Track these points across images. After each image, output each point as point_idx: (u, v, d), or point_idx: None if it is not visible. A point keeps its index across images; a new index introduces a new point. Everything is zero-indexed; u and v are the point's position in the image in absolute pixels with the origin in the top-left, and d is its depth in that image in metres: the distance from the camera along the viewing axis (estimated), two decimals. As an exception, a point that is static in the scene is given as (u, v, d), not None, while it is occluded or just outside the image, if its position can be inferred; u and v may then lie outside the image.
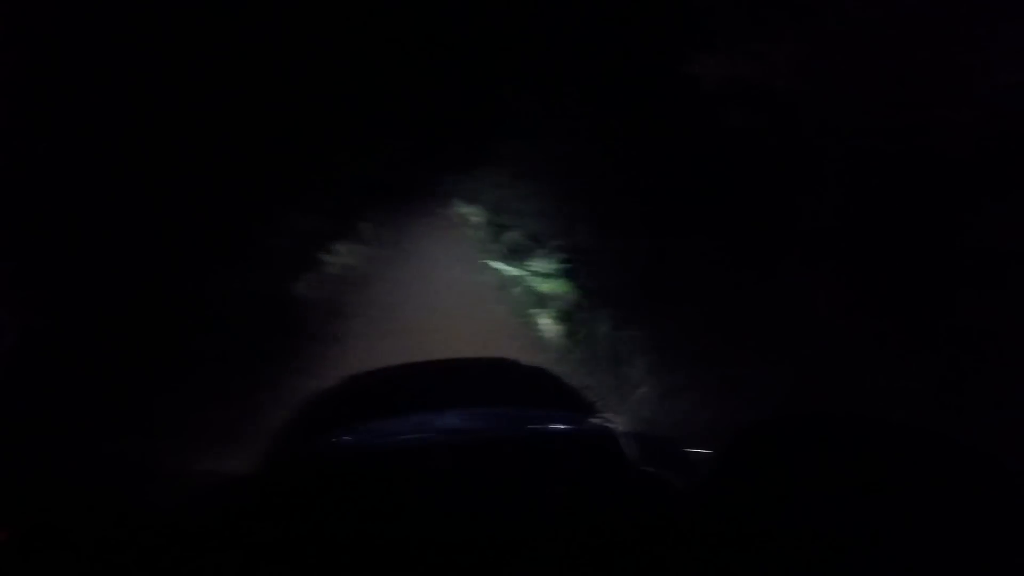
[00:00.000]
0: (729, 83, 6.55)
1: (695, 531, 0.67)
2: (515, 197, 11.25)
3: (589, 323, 6.03)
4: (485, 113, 14.53)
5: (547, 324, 5.98)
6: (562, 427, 1.32)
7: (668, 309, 6.60)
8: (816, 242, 6.35)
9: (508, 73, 12.36)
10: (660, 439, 1.49)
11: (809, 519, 0.62)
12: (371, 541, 0.83)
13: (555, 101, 11.21)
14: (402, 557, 0.79)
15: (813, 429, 0.76)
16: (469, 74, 13.49)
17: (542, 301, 6.82)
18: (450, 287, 8.74)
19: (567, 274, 7.12)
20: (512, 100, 13.32)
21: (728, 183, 7.77)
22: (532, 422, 1.35)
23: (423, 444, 1.27)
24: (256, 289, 6.13)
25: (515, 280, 7.57)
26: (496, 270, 7.93)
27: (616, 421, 1.32)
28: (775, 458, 0.72)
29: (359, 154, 13.00)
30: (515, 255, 8.64)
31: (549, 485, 0.99)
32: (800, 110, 6.63)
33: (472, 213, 11.58)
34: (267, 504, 1.03)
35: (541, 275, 7.16)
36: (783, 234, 6.81)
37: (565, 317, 6.29)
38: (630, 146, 10.19)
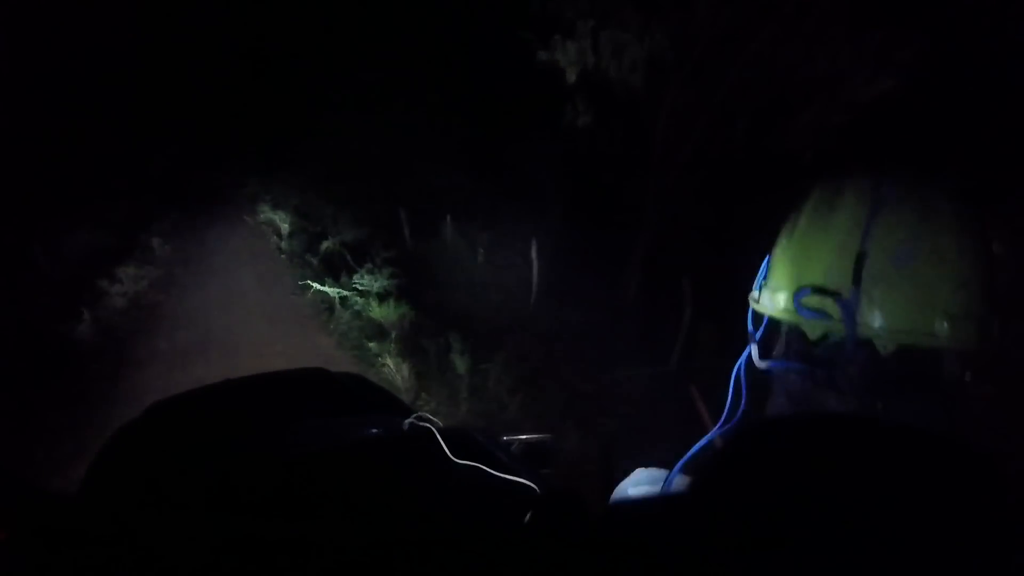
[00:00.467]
0: (582, 76, 6.07)
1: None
2: (326, 201, 10.11)
3: (441, 355, 5.17)
4: (291, 106, 13.25)
5: (392, 361, 5.02)
6: (378, 431, 1.30)
7: (528, 324, 6.09)
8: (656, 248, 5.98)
9: (317, 58, 11.21)
10: (475, 430, 1.37)
11: (807, 519, 0.57)
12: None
13: (372, 92, 10.26)
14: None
15: (812, 429, 0.73)
16: (273, 59, 12.12)
17: (378, 330, 5.82)
18: (263, 312, 7.45)
19: (403, 292, 6.22)
20: (321, 90, 12.18)
21: (571, 186, 7.23)
22: (349, 430, 1.32)
23: (231, 468, 1.13)
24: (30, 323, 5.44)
25: (340, 302, 6.49)
26: (315, 289, 6.76)
27: (433, 419, 1.29)
28: (774, 458, 0.68)
29: (147, 154, 11.32)
30: (334, 269, 7.55)
31: (371, 489, 0.97)
32: (651, 108, 6.29)
33: (280, 220, 10.26)
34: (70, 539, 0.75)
35: (371, 295, 6.16)
36: (627, 240, 6.45)
37: (410, 349, 5.37)
38: (463, 141, 9.50)
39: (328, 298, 6.72)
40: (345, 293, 6.31)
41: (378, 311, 5.77)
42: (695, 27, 5.74)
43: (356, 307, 6.19)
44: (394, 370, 5.00)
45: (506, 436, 1.43)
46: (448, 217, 8.62)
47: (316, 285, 6.61)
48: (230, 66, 13.27)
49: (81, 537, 0.77)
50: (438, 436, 1.15)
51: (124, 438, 1.65)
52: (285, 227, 9.40)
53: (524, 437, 1.43)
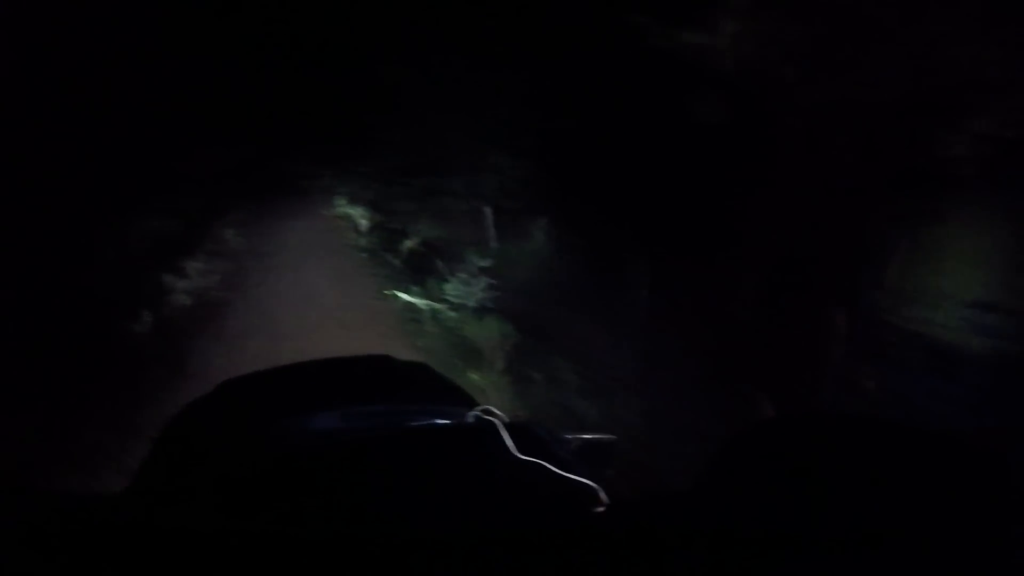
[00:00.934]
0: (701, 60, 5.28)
1: (688, 532, 0.60)
2: (405, 195, 9.36)
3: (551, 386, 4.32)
4: (367, 96, 12.57)
5: (496, 394, 4.19)
6: (442, 422, 1.21)
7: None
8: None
9: (393, 45, 10.45)
10: (540, 427, 1.12)
11: (808, 520, 0.58)
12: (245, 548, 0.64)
13: (450, 80, 9.39)
14: (279, 563, 0.61)
15: (812, 429, 0.77)
16: (348, 46, 11.56)
17: (474, 352, 4.99)
18: (339, 317, 6.73)
19: (500, 305, 5.39)
20: (398, 79, 11.38)
21: (686, 180, 6.41)
22: (411, 419, 1.24)
23: (301, 447, 1.15)
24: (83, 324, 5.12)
25: (427, 313, 5.69)
26: (398, 298, 5.99)
27: (498, 412, 1.09)
28: (773, 458, 0.71)
29: (223, 142, 10.82)
30: (420, 274, 6.78)
31: (430, 481, 0.90)
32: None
33: (357, 214, 9.60)
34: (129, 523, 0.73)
35: (467, 309, 5.34)
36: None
37: (515, 377, 4.52)
38: (559, 132, 8.64)
39: (412, 305, 5.96)
40: (437, 306, 5.52)
41: (475, 329, 4.95)
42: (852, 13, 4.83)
43: (448, 322, 5.38)
44: (497, 405, 4.15)
45: (569, 434, 1.28)
46: (539, 218, 7.76)
47: (402, 295, 5.84)
48: (306, 54, 12.77)
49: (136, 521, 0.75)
50: (502, 430, 1.04)
51: (191, 414, 1.71)
52: (363, 222, 8.70)
53: (587, 436, 1.31)
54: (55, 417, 4.36)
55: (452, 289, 5.68)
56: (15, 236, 4.72)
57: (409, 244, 7.95)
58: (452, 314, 5.45)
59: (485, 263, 6.03)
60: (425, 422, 1.24)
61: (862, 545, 0.53)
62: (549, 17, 7.95)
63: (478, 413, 1.22)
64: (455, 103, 10.21)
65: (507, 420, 1.11)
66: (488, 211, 7.57)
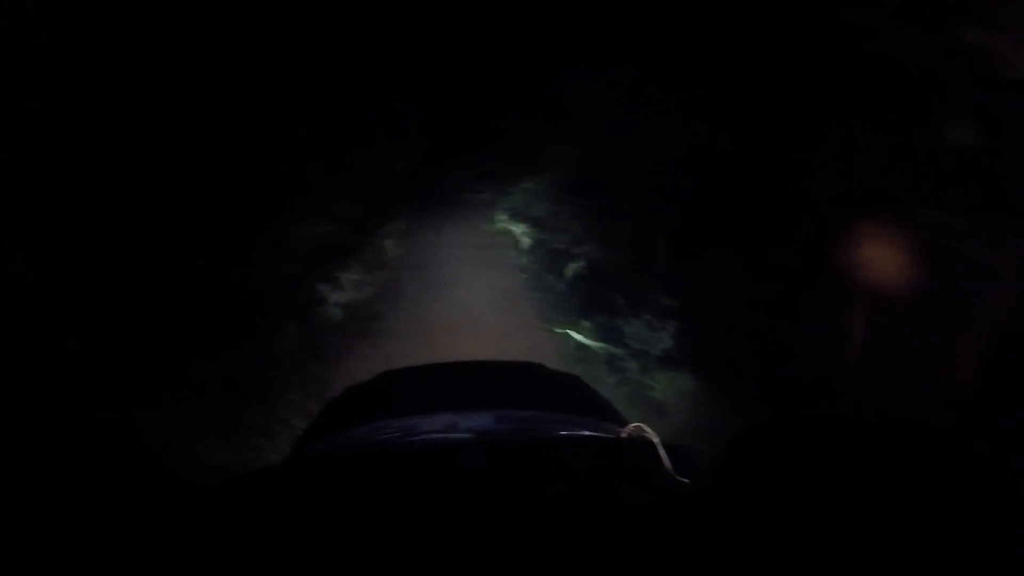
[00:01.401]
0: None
1: (698, 534, 0.66)
2: (571, 215, 8.69)
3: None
4: (533, 108, 12.05)
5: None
6: (597, 434, 1.31)
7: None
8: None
9: (561, 58, 9.77)
10: (688, 448, 1.22)
11: (807, 520, 0.60)
12: (387, 541, 0.80)
13: (637, 88, 8.62)
14: (420, 558, 0.75)
15: (812, 429, 0.76)
16: (516, 58, 11.07)
17: (656, 407, 4.19)
18: (498, 346, 6.12)
19: (690, 358, 4.54)
20: (564, 92, 10.66)
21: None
22: (564, 427, 1.35)
23: (451, 443, 1.25)
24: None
25: (601, 356, 4.96)
26: (570, 338, 5.29)
27: (649, 432, 1.21)
28: (774, 458, 0.71)
29: (382, 152, 10.43)
30: (590, 306, 6.06)
31: (584, 490, 0.96)
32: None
33: (520, 232, 9.06)
34: (276, 501, 0.99)
35: (649, 357, 4.54)
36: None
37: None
38: (744, 153, 7.66)
39: (583, 345, 5.26)
40: (615, 351, 4.79)
41: (663, 386, 4.16)
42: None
43: (629, 372, 4.62)
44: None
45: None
46: (728, 248, 6.79)
47: (576, 335, 5.15)
48: (475, 64, 12.49)
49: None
50: (660, 449, 1.09)
51: (348, 398, 2.00)
52: (526, 240, 8.12)
53: None
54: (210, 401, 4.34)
55: (633, 331, 4.90)
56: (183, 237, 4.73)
57: (575, 267, 7.30)
58: (633, 363, 4.67)
59: (672, 302, 5.19)
60: (575, 432, 1.31)
61: (862, 545, 0.55)
62: (740, 24, 6.97)
63: (632, 430, 1.28)
64: (629, 118, 9.41)
65: (661, 441, 1.16)
66: (662, 237, 6.74)
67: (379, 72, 10.48)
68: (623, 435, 1.30)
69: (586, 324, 5.39)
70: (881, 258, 4.82)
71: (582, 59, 10.22)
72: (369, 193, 10.55)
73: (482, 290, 7.88)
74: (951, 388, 3.32)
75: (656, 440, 1.15)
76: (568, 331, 5.35)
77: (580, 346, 5.28)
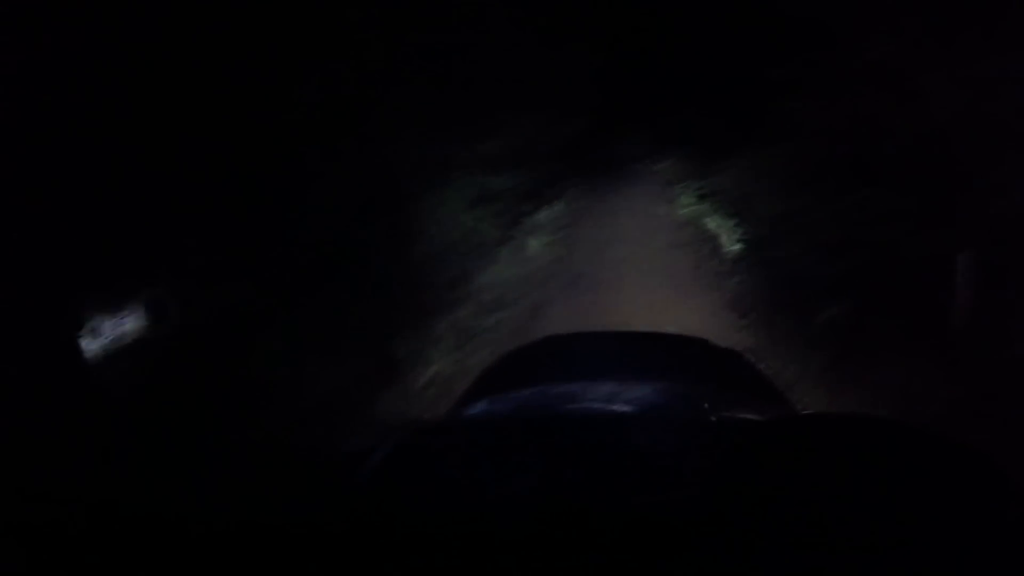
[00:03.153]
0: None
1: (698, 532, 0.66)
2: (800, 208, 6.43)
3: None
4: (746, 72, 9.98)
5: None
6: (758, 417, 1.27)
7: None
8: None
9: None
10: None
11: (807, 519, 0.61)
12: (539, 509, 0.78)
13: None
14: (572, 528, 0.71)
15: (813, 429, 0.80)
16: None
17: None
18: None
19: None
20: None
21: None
22: (726, 407, 1.34)
23: (611, 414, 1.26)
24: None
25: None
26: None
27: (805, 412, 1.29)
28: (774, 458, 0.72)
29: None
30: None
31: (742, 473, 0.85)
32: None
33: (717, 222, 7.17)
34: (442, 454, 1.04)
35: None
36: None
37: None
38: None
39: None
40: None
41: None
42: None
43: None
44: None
45: None
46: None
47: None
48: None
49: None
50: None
51: (512, 359, 2.06)
52: (731, 241, 6.12)
53: None
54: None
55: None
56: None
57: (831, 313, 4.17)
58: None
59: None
60: (740, 414, 1.29)
61: (861, 544, 0.54)
62: None
63: (800, 414, 1.37)
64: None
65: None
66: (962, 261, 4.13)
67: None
68: (788, 422, 1.23)
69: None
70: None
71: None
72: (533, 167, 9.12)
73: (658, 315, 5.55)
74: None
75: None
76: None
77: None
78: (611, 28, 12.47)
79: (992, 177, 3.82)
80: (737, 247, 6.47)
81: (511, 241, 7.49)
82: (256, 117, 3.91)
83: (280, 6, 4.19)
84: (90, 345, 3.08)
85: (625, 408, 1.29)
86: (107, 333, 3.19)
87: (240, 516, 0.75)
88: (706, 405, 1.34)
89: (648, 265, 6.50)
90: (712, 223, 7.33)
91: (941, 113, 4.21)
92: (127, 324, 3.28)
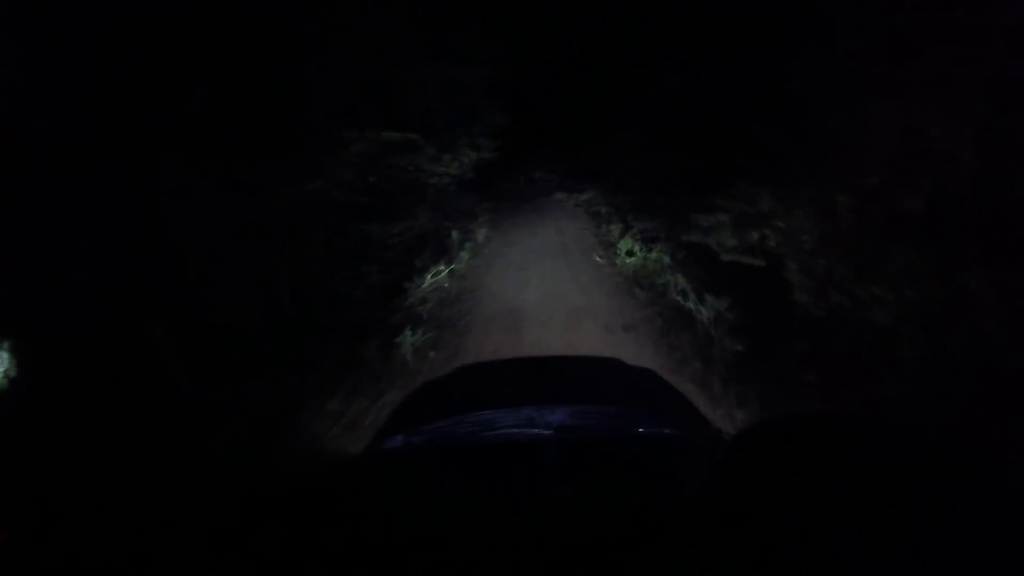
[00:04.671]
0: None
1: (696, 532, 0.68)
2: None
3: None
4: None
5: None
6: (670, 431, 1.32)
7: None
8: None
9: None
10: None
11: (807, 519, 0.62)
12: (464, 534, 0.82)
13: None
14: (499, 548, 0.77)
15: (812, 429, 0.78)
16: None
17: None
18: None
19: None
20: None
21: None
22: (641, 424, 1.36)
23: (529, 438, 1.26)
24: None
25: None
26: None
27: (722, 429, 1.26)
28: (774, 458, 0.72)
29: None
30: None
31: (662, 488, 0.98)
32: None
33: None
34: (361, 493, 1.03)
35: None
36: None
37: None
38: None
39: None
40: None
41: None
42: None
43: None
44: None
45: None
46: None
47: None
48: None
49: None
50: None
51: (428, 391, 1.98)
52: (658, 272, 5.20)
53: None
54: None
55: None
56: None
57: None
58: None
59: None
60: (654, 430, 1.30)
61: (861, 544, 0.55)
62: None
63: (711, 431, 1.34)
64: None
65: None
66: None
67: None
68: (701, 435, 1.29)
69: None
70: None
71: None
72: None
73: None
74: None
75: (728, 438, 1.12)
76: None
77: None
78: (514, 42, 11.50)
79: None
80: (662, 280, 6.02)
81: (423, 271, 6.84)
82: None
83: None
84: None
85: (545, 432, 1.28)
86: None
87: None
88: (625, 422, 1.36)
89: (567, 293, 6.20)
90: (640, 258, 6.52)
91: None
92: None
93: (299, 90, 5.06)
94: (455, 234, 7.95)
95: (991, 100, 3.09)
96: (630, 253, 6.93)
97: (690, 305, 5.26)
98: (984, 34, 3.03)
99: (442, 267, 6.86)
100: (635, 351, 4.75)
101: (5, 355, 3.27)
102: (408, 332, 5.16)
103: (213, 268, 4.45)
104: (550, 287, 6.39)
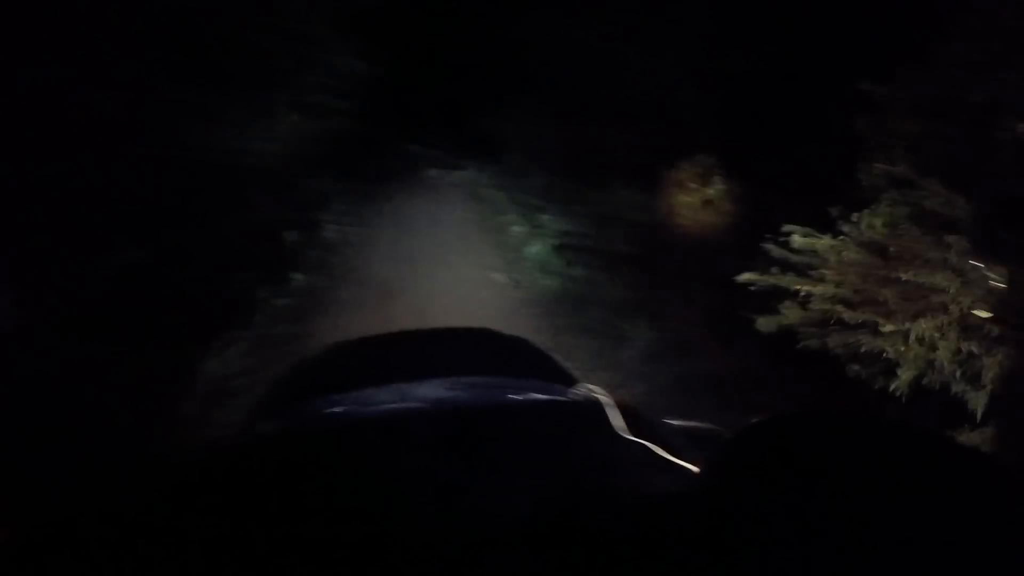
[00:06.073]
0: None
1: (690, 532, 0.63)
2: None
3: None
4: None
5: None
6: (545, 396, 1.32)
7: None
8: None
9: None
10: (641, 410, 1.23)
11: (806, 520, 0.58)
12: (347, 514, 0.80)
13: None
14: (381, 529, 0.75)
15: (812, 429, 0.74)
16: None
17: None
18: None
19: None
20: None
21: None
22: (514, 391, 1.34)
23: (403, 413, 1.25)
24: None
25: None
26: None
27: (599, 391, 1.22)
28: (773, 458, 0.68)
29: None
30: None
31: (535, 454, 0.98)
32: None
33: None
34: (231, 480, 0.97)
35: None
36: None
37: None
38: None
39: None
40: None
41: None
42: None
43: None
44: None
45: (671, 420, 1.31)
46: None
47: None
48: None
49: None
50: (608, 408, 1.13)
51: (299, 372, 1.89)
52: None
53: (691, 424, 1.31)
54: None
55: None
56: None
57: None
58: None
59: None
60: (527, 395, 1.30)
61: (860, 544, 0.53)
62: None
63: (583, 390, 1.32)
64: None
65: (610, 400, 1.16)
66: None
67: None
68: (573, 397, 1.30)
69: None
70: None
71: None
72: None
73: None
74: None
75: (607, 400, 1.16)
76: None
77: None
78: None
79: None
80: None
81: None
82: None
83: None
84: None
85: (413, 406, 1.29)
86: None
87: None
88: (499, 391, 1.37)
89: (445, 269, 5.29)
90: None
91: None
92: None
93: None
94: (289, 235, 5.53)
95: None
96: (546, 268, 4.76)
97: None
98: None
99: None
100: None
101: None
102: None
103: None
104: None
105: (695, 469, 0.92)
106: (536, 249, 5.08)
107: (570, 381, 1.58)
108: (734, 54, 4.70)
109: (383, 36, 7.66)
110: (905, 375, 2.82)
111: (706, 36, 4.88)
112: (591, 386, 1.30)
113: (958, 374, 2.73)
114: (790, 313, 3.18)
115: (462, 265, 5.32)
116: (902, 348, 2.89)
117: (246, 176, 5.23)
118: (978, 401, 2.60)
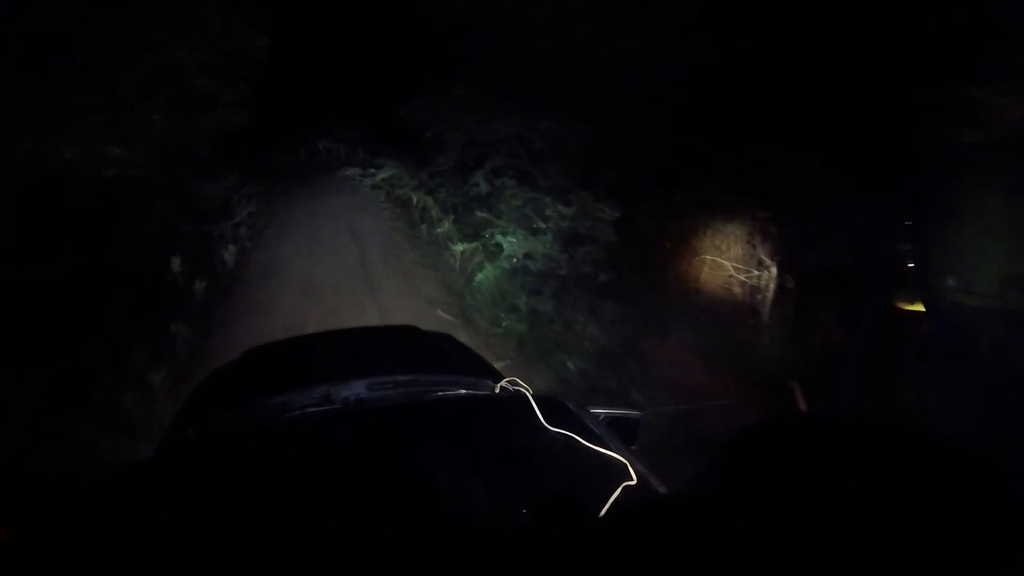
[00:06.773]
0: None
1: (688, 532, 0.64)
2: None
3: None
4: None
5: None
6: (470, 392, 1.36)
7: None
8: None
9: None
10: (569, 401, 1.29)
11: (806, 520, 0.58)
12: (274, 518, 0.83)
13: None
14: (307, 531, 0.77)
15: (812, 429, 0.76)
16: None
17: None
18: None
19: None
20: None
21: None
22: (438, 388, 1.39)
23: (326, 416, 1.26)
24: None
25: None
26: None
27: (523, 385, 1.26)
28: (773, 458, 0.69)
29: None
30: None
31: (460, 448, 1.00)
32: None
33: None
34: (160, 489, 0.99)
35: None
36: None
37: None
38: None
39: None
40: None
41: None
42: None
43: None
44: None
45: (595, 409, 1.31)
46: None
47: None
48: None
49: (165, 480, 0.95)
50: (532, 402, 1.13)
51: (218, 379, 1.84)
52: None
53: (614, 412, 1.34)
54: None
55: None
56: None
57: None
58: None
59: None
60: (451, 390, 1.35)
61: (862, 545, 0.52)
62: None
63: (506, 384, 1.36)
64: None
65: (534, 393, 1.21)
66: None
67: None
68: (496, 390, 1.33)
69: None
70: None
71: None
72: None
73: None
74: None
75: (529, 393, 1.18)
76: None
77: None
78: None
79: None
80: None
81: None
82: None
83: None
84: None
85: (337, 408, 1.28)
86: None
87: None
88: (422, 387, 1.37)
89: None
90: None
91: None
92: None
93: None
94: (174, 263, 4.31)
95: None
96: (513, 309, 3.72)
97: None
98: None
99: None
100: None
101: None
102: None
103: None
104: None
105: (616, 456, 0.97)
106: (484, 275, 4.02)
107: (495, 376, 1.55)
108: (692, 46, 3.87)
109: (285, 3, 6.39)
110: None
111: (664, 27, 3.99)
112: (514, 379, 1.32)
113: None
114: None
115: (394, 296, 4.20)
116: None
117: (107, 188, 3.96)
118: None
